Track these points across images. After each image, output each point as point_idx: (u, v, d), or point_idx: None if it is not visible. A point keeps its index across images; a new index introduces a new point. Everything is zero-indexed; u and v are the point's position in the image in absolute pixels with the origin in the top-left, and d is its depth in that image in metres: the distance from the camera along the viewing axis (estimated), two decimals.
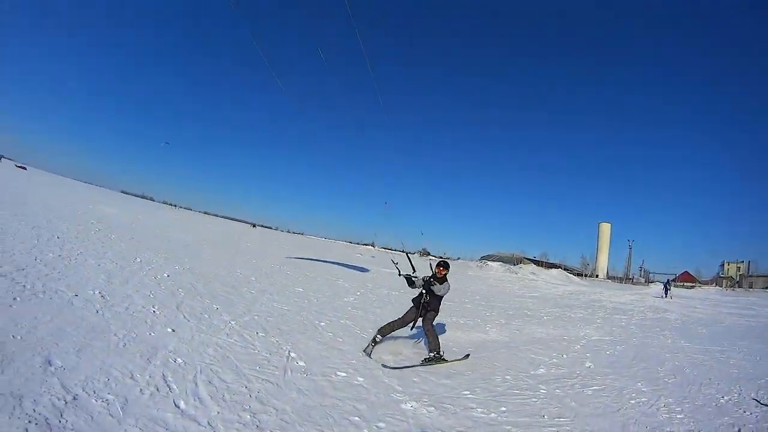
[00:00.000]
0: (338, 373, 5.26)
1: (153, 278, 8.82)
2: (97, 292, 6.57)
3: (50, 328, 4.71)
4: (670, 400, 5.48)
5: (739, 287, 58.93)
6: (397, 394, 4.80)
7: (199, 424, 3.49)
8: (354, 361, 5.83)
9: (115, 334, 5.04)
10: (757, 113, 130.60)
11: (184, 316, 6.54)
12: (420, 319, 6.59)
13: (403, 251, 7.72)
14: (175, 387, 4.06)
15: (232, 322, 6.72)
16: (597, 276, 77.02)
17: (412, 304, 6.68)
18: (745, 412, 5.24)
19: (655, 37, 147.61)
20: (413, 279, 6.76)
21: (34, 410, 3.12)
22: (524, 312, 14.39)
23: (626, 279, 75.49)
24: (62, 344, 4.37)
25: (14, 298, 5.33)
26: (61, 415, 3.16)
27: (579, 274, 67.43)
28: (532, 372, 6.47)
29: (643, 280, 72.23)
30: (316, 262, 23.10)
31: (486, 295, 19.15)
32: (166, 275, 9.47)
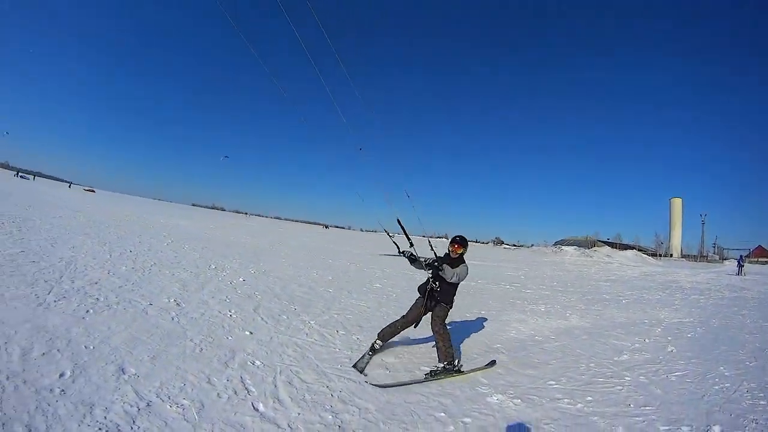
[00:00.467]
0: (422, 367, 5.40)
1: (228, 283, 9.20)
2: (171, 300, 6.92)
3: (124, 337, 4.95)
4: (753, 385, 5.38)
5: None
6: (483, 387, 4.86)
7: (279, 426, 3.55)
8: (436, 356, 5.76)
9: (191, 340, 5.26)
10: None
11: (262, 319, 6.76)
12: (430, 314, 5.53)
13: (402, 230, 5.92)
14: (253, 389, 4.15)
15: (311, 322, 6.92)
16: (671, 255, 77.86)
17: (419, 294, 5.60)
18: None
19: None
20: (415, 257, 5.31)
21: (105, 417, 3.22)
22: (602, 296, 14.60)
23: (700, 257, 75.63)
24: (136, 352, 4.57)
25: (87, 311, 5.65)
26: (134, 422, 3.24)
27: (653, 254, 68.10)
28: (615, 358, 6.47)
29: (717, 257, 72.84)
30: (392, 257, 23.42)
31: (563, 281, 19.36)
32: (241, 280, 9.88)
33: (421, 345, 6.28)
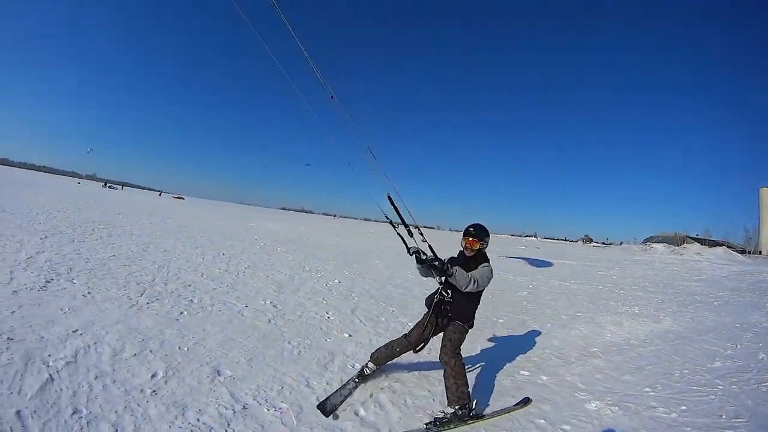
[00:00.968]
0: (521, 372, 5.50)
1: (324, 285, 9.51)
2: (268, 302, 7.24)
3: (219, 339, 5.17)
4: None
5: None
6: (581, 393, 4.95)
7: (379, 431, 3.63)
8: (536, 359, 6.11)
9: (288, 342, 5.44)
10: None
11: (360, 321, 6.95)
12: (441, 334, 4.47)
13: (404, 224, 4.38)
14: (354, 393, 4.24)
15: (410, 324, 6.79)
16: (760, 252, 72.21)
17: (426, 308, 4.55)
18: None
19: None
20: (424, 258, 4.14)
21: (198, 419, 3.32)
22: (694, 297, 14.44)
23: None
24: (232, 354, 4.75)
25: (181, 312, 5.97)
26: (228, 424, 3.32)
27: (742, 251, 63.08)
28: (708, 365, 6.42)
29: None
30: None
31: (654, 281, 19.04)
32: (337, 281, 10.22)
33: (432, 373, 5.11)
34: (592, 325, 8.66)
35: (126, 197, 49.94)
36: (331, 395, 4.15)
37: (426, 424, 3.88)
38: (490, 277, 4.20)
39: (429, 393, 4.57)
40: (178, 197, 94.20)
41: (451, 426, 3.86)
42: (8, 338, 4.24)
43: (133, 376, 3.89)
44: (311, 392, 4.12)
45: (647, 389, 5.20)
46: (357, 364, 4.91)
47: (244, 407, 3.63)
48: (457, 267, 4.03)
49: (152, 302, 6.22)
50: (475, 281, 4.03)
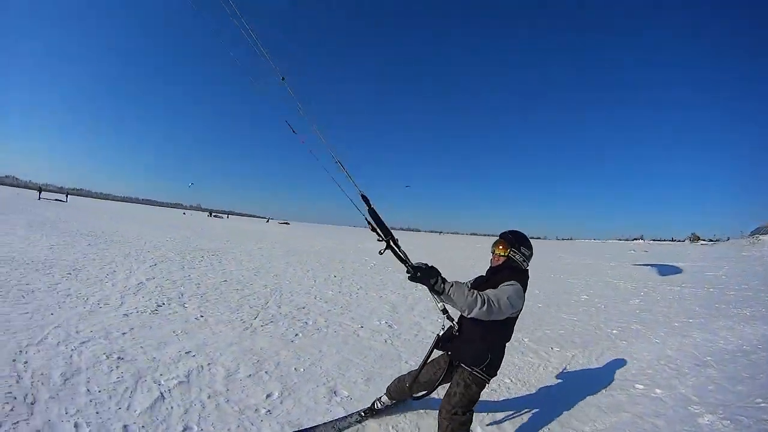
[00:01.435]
0: (636, 385, 5.37)
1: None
2: (383, 322, 7.35)
3: (336, 359, 5.24)
4: None
5: None
6: (695, 407, 4.80)
7: None
8: (650, 371, 5.95)
9: (406, 362, 5.42)
10: None
11: None
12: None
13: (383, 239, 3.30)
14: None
15: (525, 339, 7.24)
16: None
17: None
18: None
19: None
20: (434, 282, 2.91)
21: None
22: None
23: None
24: (349, 374, 4.80)
25: (296, 334, 6.13)
26: None
27: None
28: None
29: None
30: (595, 263, 25.20)
31: (764, 278, 18.06)
32: None
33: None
34: (705, 331, 8.39)
35: (232, 225, 53.16)
36: (320, 425, 3.69)
37: None
38: (514, 301, 2.97)
39: None
40: (283, 223, 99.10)
41: None
42: (118, 357, 4.52)
43: (247, 396, 4.03)
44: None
45: (758, 400, 4.96)
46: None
47: (360, 428, 3.69)
48: (454, 282, 2.90)
49: (266, 324, 6.45)
50: (485, 302, 2.81)
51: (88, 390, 3.80)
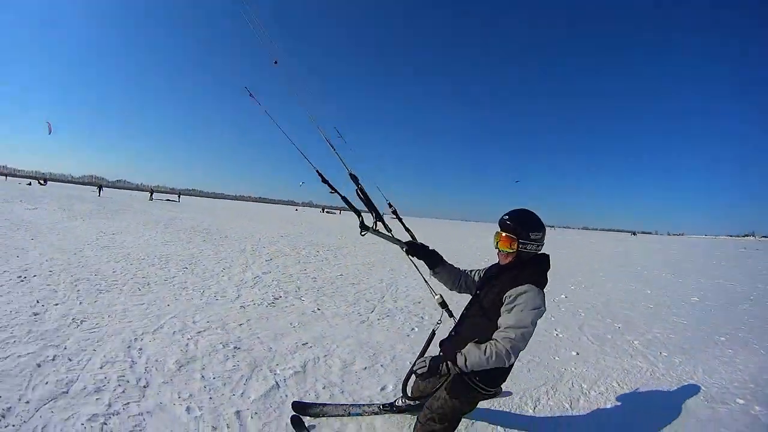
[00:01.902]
0: (737, 400, 4.96)
1: (551, 300, 9.41)
2: None
3: None
4: None
5: None
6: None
7: None
8: (752, 385, 5.47)
9: (519, 360, 5.47)
10: None
11: (588, 338, 6.86)
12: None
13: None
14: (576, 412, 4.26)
15: (635, 342, 7.00)
16: None
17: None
18: None
19: None
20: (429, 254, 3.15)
21: None
22: None
23: None
24: None
25: (412, 329, 6.46)
26: None
27: None
28: None
29: None
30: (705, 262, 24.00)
31: None
32: (563, 296, 10.19)
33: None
34: None
35: (345, 220, 53.74)
36: (330, 404, 3.81)
37: None
38: (536, 316, 2.47)
39: None
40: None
41: None
42: (235, 347, 4.96)
43: (362, 388, 4.28)
44: (541, 409, 4.22)
45: None
46: (584, 385, 4.89)
47: (473, 422, 3.76)
48: (464, 351, 2.49)
49: (382, 318, 6.82)
50: (509, 352, 2.40)
51: (203, 377, 4.13)
